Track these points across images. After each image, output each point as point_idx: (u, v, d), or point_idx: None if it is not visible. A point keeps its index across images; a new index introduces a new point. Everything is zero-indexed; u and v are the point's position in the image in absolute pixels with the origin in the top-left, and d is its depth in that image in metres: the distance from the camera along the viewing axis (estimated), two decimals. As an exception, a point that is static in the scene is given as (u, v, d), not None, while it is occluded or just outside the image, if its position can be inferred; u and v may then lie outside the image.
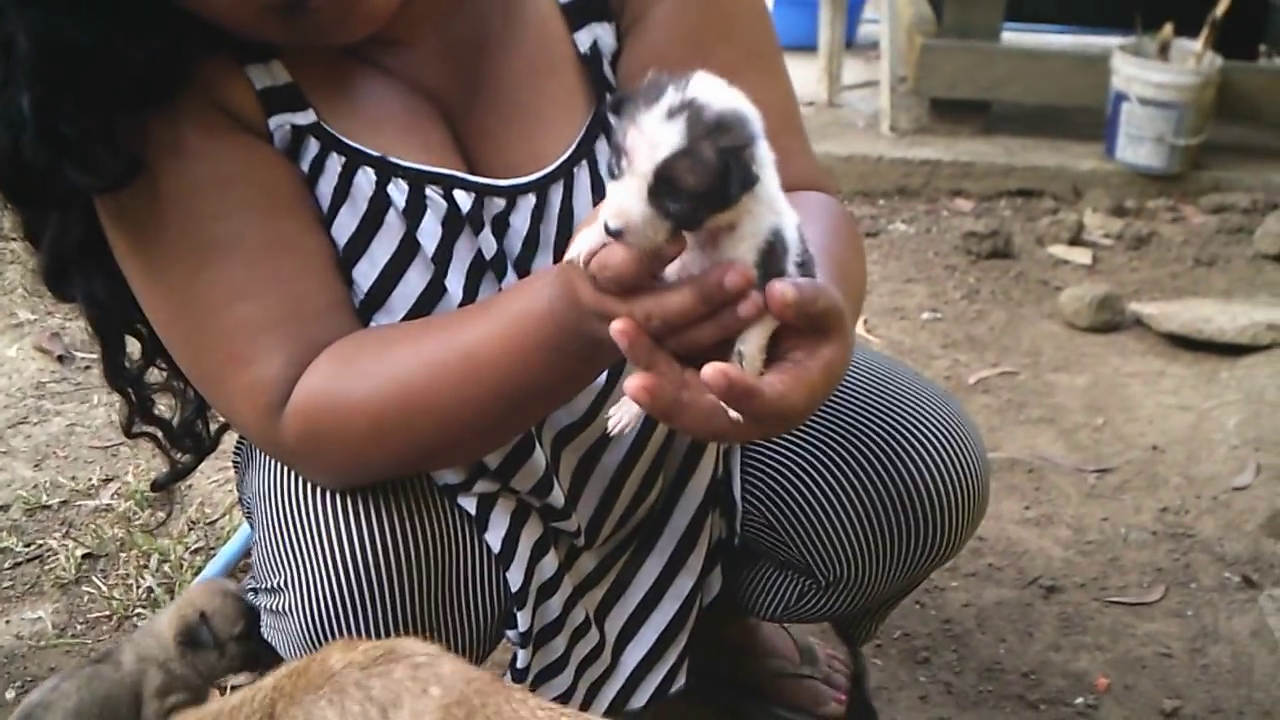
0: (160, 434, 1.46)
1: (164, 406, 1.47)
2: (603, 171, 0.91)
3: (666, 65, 0.95)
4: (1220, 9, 3.82)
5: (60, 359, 2.87)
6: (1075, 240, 3.64)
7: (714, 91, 0.90)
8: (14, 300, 3.11)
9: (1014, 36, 4.52)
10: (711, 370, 0.90)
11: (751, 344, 0.94)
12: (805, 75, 4.27)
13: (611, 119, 0.90)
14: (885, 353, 2.96)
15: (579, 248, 0.95)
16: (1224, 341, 3.00)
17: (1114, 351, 3.08)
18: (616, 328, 0.93)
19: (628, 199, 0.89)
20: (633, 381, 0.92)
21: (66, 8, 1.07)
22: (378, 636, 1.19)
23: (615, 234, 0.90)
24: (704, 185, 0.87)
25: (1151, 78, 3.80)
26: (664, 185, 0.88)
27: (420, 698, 0.94)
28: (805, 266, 0.97)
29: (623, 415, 1.01)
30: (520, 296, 1.11)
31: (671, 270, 0.93)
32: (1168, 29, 3.88)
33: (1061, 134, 4.16)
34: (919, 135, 4.17)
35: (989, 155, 4.03)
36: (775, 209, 0.94)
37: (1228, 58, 3.88)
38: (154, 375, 1.42)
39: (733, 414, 0.93)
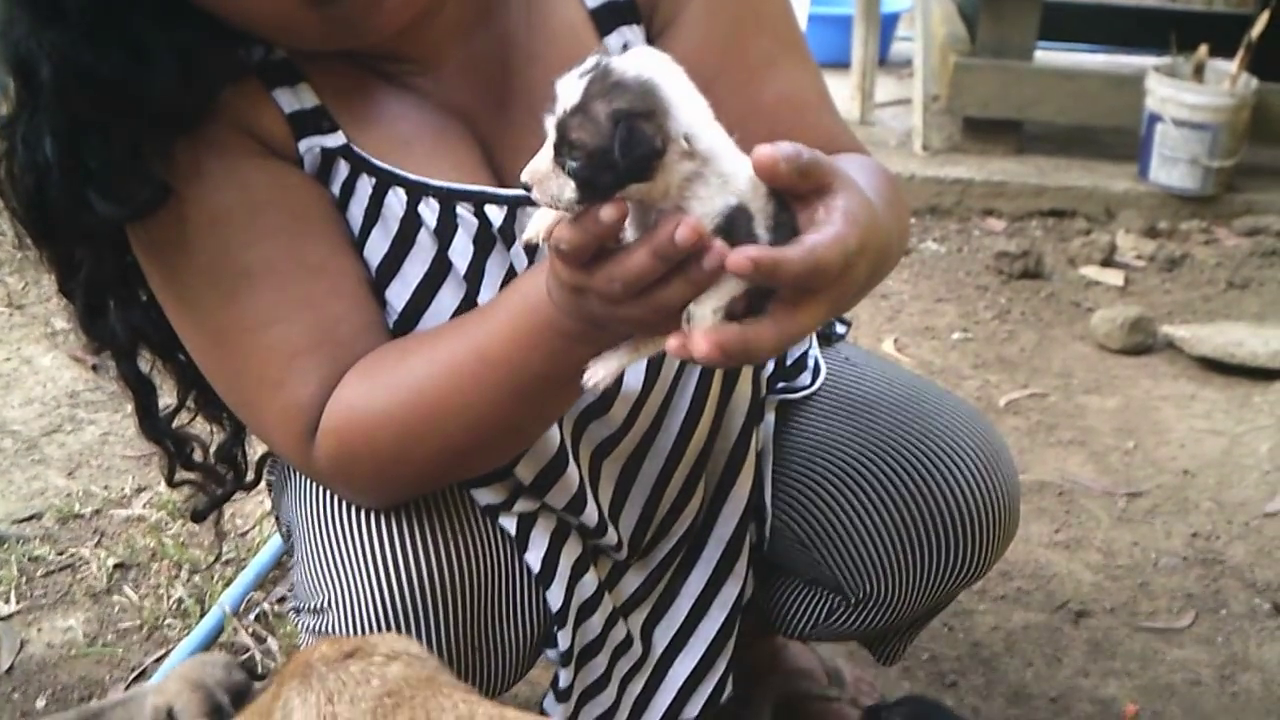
0: (203, 479, 1.47)
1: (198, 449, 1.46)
2: None
3: (703, 63, 0.94)
4: (1256, 31, 3.80)
5: (94, 368, 2.88)
6: (1107, 261, 3.62)
7: (636, 62, 0.90)
8: (49, 309, 3.14)
9: (1047, 56, 4.50)
10: (735, 257, 0.89)
11: (705, 306, 0.93)
12: (838, 92, 4.20)
13: None
14: (916, 372, 2.96)
15: (534, 226, 0.96)
16: (1256, 366, 2.97)
17: (1145, 374, 3.06)
18: (670, 345, 0.93)
19: (539, 157, 0.91)
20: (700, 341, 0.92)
21: (83, 28, 1.07)
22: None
23: (526, 189, 0.92)
24: (593, 144, 0.88)
25: (1186, 99, 3.78)
26: (563, 142, 0.89)
27: (361, 687, 1.04)
28: (779, 230, 0.94)
29: (599, 369, 1.02)
30: (520, 289, 1.13)
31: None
32: (1203, 50, 3.87)
33: (1094, 154, 4.14)
34: (951, 154, 4.15)
35: (1021, 175, 4.02)
36: (733, 189, 0.92)
37: (1263, 80, 3.86)
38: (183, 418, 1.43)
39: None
